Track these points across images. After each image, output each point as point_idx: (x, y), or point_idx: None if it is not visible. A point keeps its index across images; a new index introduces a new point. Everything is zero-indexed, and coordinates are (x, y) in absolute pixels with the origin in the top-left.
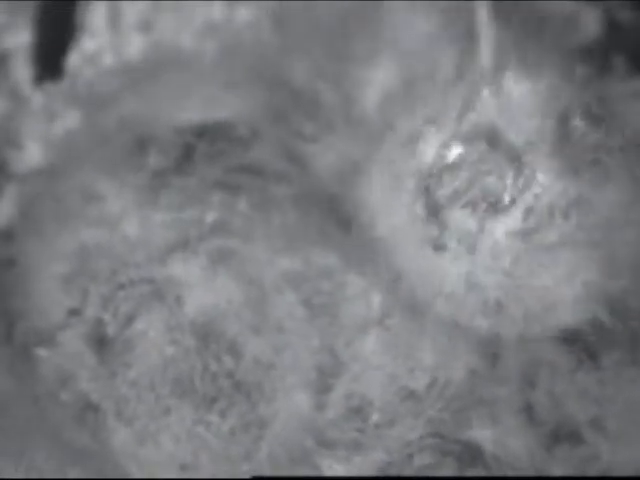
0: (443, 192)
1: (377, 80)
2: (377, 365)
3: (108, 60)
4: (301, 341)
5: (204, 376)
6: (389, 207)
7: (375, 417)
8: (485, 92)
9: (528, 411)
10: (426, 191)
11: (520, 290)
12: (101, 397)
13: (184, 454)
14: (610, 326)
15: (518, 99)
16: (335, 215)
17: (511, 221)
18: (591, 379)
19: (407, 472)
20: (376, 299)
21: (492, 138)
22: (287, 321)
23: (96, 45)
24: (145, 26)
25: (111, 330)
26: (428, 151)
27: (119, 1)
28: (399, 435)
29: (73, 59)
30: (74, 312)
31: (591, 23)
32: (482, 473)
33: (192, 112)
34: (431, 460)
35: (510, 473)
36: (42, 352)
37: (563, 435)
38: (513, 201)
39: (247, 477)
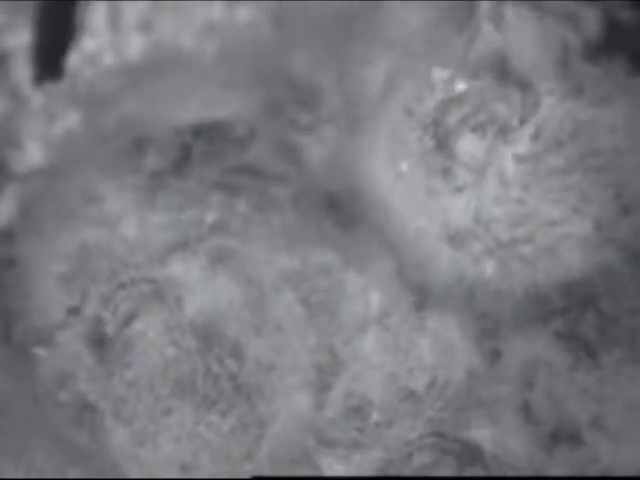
0: (451, 119)
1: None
2: (377, 364)
3: (108, 60)
4: (300, 341)
5: (205, 377)
6: (399, 159)
7: (375, 416)
8: (487, 24)
9: (527, 411)
10: (434, 123)
11: (530, 222)
12: (99, 397)
13: (184, 454)
14: (619, 272)
15: (520, 28)
16: (334, 214)
17: (520, 145)
18: (591, 378)
19: (407, 471)
20: (375, 297)
21: (498, 68)
22: (286, 321)
23: (96, 45)
24: (145, 26)
25: (110, 330)
26: (433, 93)
27: (119, 1)
28: (399, 434)
29: (73, 59)
30: (73, 311)
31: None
32: (481, 473)
33: (191, 112)
34: (430, 459)
35: (509, 473)
36: (40, 352)
37: (563, 435)
38: (521, 123)
39: (247, 477)
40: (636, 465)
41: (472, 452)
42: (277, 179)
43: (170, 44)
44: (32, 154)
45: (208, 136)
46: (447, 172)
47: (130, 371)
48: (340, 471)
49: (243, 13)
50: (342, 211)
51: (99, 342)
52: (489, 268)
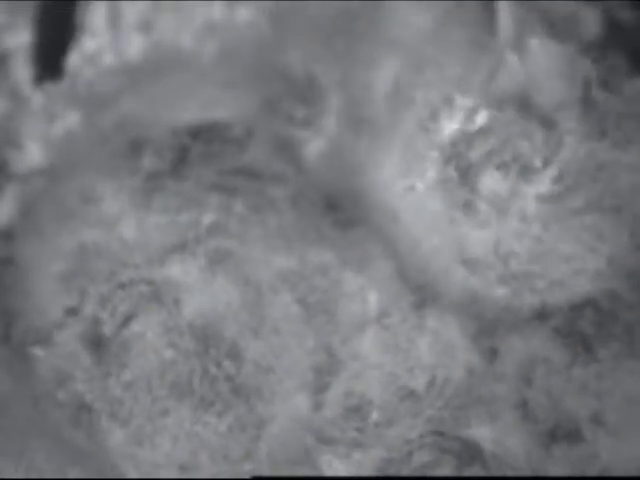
0: (475, 154)
1: (387, 65)
2: (376, 364)
3: (108, 60)
4: (298, 341)
5: (203, 379)
6: (412, 174)
7: (374, 416)
8: (511, 57)
9: (526, 408)
10: (457, 154)
11: (546, 258)
12: (96, 398)
13: (182, 454)
14: (626, 298)
15: (544, 64)
16: (332, 215)
17: (542, 186)
18: (589, 373)
19: (406, 470)
20: (374, 297)
21: (521, 102)
22: (284, 322)
23: (96, 45)
24: (145, 26)
25: (108, 330)
26: (454, 118)
27: (119, 1)
28: (398, 433)
29: (73, 59)
30: (71, 311)
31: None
32: (481, 471)
33: (189, 113)
34: (430, 458)
35: (509, 471)
36: (39, 352)
37: (562, 432)
38: (545, 164)
39: (247, 477)
40: (636, 461)
41: (472, 451)
42: (274, 180)
43: (170, 44)
44: (32, 154)
45: (206, 137)
46: (469, 205)
47: (127, 372)
48: (340, 470)
49: (243, 13)
50: (340, 211)
51: (97, 343)
52: (499, 293)
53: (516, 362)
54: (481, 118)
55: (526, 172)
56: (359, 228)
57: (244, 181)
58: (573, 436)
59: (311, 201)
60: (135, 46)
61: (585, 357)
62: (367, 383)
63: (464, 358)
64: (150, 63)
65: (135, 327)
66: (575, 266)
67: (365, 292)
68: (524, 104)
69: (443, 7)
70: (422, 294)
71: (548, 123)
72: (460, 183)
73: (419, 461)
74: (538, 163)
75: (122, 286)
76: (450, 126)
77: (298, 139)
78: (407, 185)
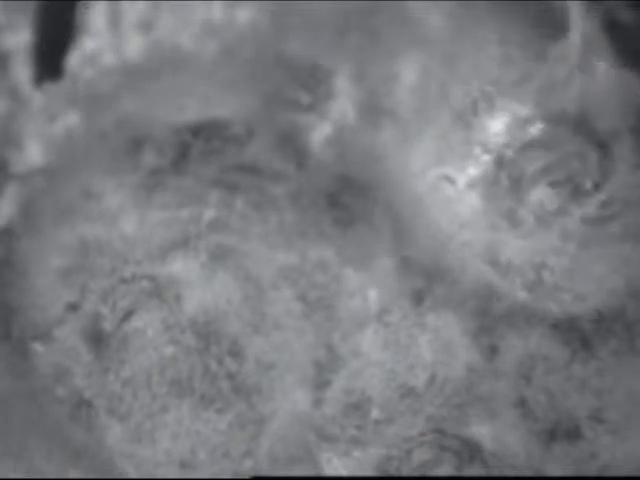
0: (530, 166)
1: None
2: (376, 361)
3: (108, 60)
4: (298, 338)
5: (203, 376)
6: (448, 165)
7: (375, 413)
8: (575, 75)
9: (526, 407)
10: (511, 162)
11: (577, 276)
12: (94, 393)
13: (182, 451)
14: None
15: (606, 89)
16: (332, 212)
17: (589, 208)
18: (588, 370)
19: (406, 467)
20: (374, 294)
21: (578, 122)
22: (284, 318)
23: (96, 45)
24: (145, 26)
25: (108, 326)
26: (501, 119)
27: (119, 1)
28: (398, 431)
29: (73, 59)
30: (72, 307)
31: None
32: (481, 470)
33: (190, 111)
34: (430, 456)
35: (509, 470)
36: (38, 347)
37: (562, 430)
38: (596, 188)
39: (248, 474)
40: (636, 459)
41: (471, 449)
42: (275, 177)
43: (170, 44)
44: (32, 154)
45: (207, 134)
46: (513, 213)
47: (127, 368)
48: (340, 467)
49: (243, 13)
50: (341, 209)
51: (97, 338)
52: (520, 295)
53: (515, 360)
54: (535, 129)
55: (577, 193)
56: (360, 225)
57: (245, 178)
58: (573, 434)
59: (312, 198)
60: (135, 46)
61: (584, 354)
62: (367, 380)
63: (464, 356)
64: (150, 63)
65: (135, 323)
66: (600, 285)
67: (366, 289)
68: (581, 124)
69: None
70: (420, 291)
71: (603, 148)
72: (509, 190)
73: (419, 459)
74: (589, 186)
75: (123, 282)
76: (496, 126)
77: (302, 121)
78: (440, 174)
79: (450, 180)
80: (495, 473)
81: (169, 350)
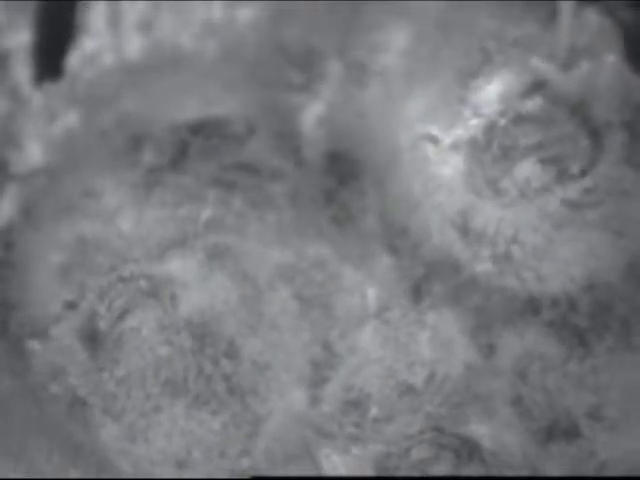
0: (524, 140)
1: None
2: (375, 358)
3: (108, 60)
4: (295, 336)
5: (198, 377)
6: (434, 123)
7: (373, 411)
8: (586, 62)
9: (523, 405)
10: (504, 131)
11: (545, 257)
12: (89, 392)
13: (177, 450)
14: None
15: (609, 80)
16: (330, 211)
17: (572, 191)
18: (585, 367)
19: (405, 465)
20: (372, 291)
21: (577, 107)
22: (281, 317)
23: (96, 45)
24: (145, 26)
25: (104, 325)
26: (497, 89)
27: (119, 1)
28: (397, 429)
29: (73, 59)
30: (70, 305)
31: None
32: (479, 468)
33: (189, 110)
34: (429, 454)
35: (507, 468)
36: (35, 345)
37: (559, 428)
38: (582, 174)
39: (246, 473)
40: (634, 456)
41: (470, 448)
42: (273, 176)
43: (170, 44)
44: (32, 154)
45: (205, 133)
46: (496, 182)
47: (121, 367)
48: (338, 463)
49: (243, 13)
50: (339, 207)
51: (92, 337)
52: (482, 270)
53: (512, 358)
54: (532, 104)
55: (563, 175)
56: (358, 223)
57: (243, 176)
58: (570, 432)
59: (309, 197)
60: (135, 46)
61: (581, 351)
62: (366, 378)
63: (462, 354)
64: (150, 62)
65: (130, 322)
66: (564, 270)
67: (364, 287)
68: (578, 109)
69: None
70: (419, 289)
71: (595, 136)
72: (497, 158)
73: (417, 457)
74: (576, 170)
75: (121, 280)
76: (492, 92)
77: (295, 101)
78: (424, 133)
79: (433, 139)
80: (493, 471)
81: (164, 350)
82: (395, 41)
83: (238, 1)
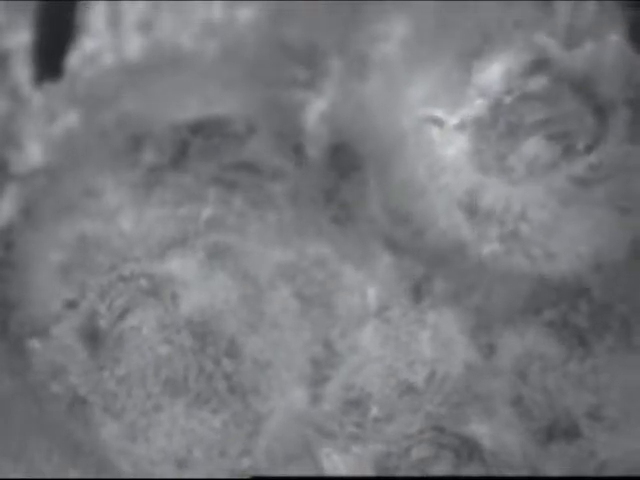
0: (530, 118)
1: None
2: (375, 357)
3: (108, 60)
4: (296, 335)
5: (199, 376)
6: (439, 104)
7: (374, 411)
8: (590, 42)
9: (523, 405)
10: (510, 108)
11: (553, 235)
12: (89, 391)
13: (178, 450)
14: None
15: (614, 59)
16: (330, 210)
17: (578, 168)
18: (585, 367)
19: (405, 464)
20: (373, 290)
21: (581, 85)
22: (282, 316)
23: (96, 45)
24: (145, 26)
25: (104, 324)
26: (500, 68)
27: (119, 1)
28: (397, 429)
29: (73, 59)
30: (71, 304)
31: None
32: (479, 468)
33: (189, 109)
34: (429, 453)
35: (507, 468)
36: (35, 344)
37: (560, 428)
38: (587, 150)
39: (246, 473)
40: (634, 456)
41: (470, 447)
42: (274, 175)
43: (170, 44)
44: (32, 154)
45: (206, 132)
46: (503, 159)
47: (121, 366)
48: (338, 462)
49: (243, 13)
50: (340, 206)
51: (93, 336)
52: (490, 251)
53: (513, 358)
54: (536, 82)
55: (570, 152)
56: (358, 222)
57: (243, 176)
58: (570, 432)
59: (310, 196)
60: (135, 46)
61: (581, 351)
62: (366, 377)
63: (463, 353)
64: (150, 62)
65: (131, 321)
66: (573, 247)
67: (364, 286)
68: (582, 86)
69: None
70: (419, 288)
71: (600, 114)
72: (503, 135)
73: (417, 456)
74: (581, 147)
75: (122, 279)
76: (495, 72)
77: (298, 97)
78: (428, 115)
79: (438, 122)
80: (493, 471)
81: (164, 349)
82: (395, 29)
83: (238, 1)
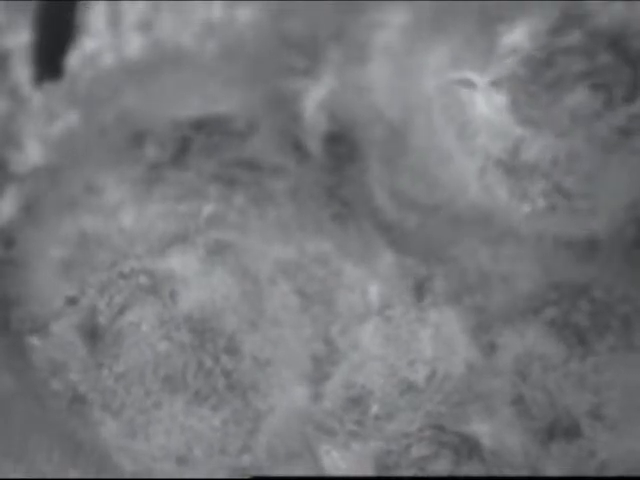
0: (570, 70)
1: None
2: (376, 355)
3: (108, 60)
4: (296, 332)
5: (198, 373)
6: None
7: (374, 409)
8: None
9: (524, 404)
10: (546, 62)
11: (594, 184)
12: (89, 388)
13: (177, 447)
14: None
15: None
16: (331, 207)
17: (619, 119)
18: (585, 366)
19: (405, 462)
20: (374, 288)
21: (615, 38)
22: (282, 312)
23: (96, 45)
24: (145, 26)
25: (103, 320)
26: (528, 27)
27: (119, 1)
28: (398, 427)
29: (73, 59)
30: (72, 301)
31: None
32: (479, 467)
33: (190, 107)
34: (429, 452)
35: (507, 467)
36: (35, 341)
37: (560, 428)
38: (627, 100)
39: (246, 470)
40: (635, 456)
41: (470, 446)
42: (275, 172)
43: (170, 44)
44: (32, 154)
45: (207, 129)
46: (547, 110)
47: (120, 363)
48: (338, 459)
49: (243, 13)
50: (341, 203)
51: (92, 333)
52: (530, 209)
53: (513, 357)
54: (570, 37)
55: (610, 102)
56: (360, 220)
57: (244, 173)
58: (571, 431)
59: (311, 193)
60: (135, 46)
61: (581, 350)
62: (367, 374)
63: (463, 352)
64: (150, 62)
65: (130, 318)
66: (615, 200)
67: (365, 283)
68: (616, 40)
69: None
70: (421, 286)
71: (636, 66)
72: (545, 88)
73: (417, 454)
74: (620, 97)
75: (122, 276)
76: (524, 31)
77: (296, 86)
78: (457, 78)
79: (468, 83)
80: (493, 470)
81: (164, 346)
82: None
83: (238, 1)
